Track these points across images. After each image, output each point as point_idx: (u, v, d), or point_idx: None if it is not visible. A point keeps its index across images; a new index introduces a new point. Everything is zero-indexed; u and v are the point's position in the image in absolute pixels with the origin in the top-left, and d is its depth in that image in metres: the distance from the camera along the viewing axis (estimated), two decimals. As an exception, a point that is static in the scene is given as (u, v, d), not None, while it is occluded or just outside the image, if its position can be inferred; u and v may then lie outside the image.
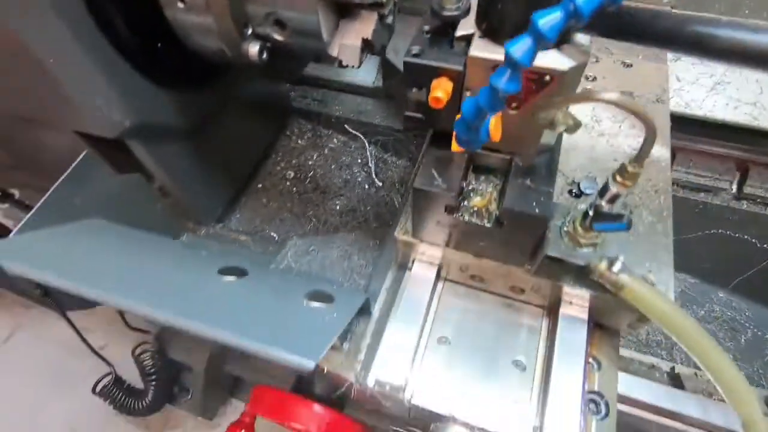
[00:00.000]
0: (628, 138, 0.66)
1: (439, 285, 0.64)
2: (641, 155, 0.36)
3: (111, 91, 0.61)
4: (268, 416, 0.73)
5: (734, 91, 0.82)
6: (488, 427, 0.54)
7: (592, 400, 0.56)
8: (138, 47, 0.61)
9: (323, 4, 0.54)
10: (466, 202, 0.52)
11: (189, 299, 0.45)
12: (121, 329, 2.04)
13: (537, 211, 0.46)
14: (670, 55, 0.79)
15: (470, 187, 0.52)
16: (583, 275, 0.53)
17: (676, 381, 0.75)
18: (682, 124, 0.75)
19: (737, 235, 1.01)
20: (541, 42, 0.29)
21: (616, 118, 0.69)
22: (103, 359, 1.47)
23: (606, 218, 0.43)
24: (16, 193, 1.00)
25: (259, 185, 1.12)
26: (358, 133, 1.16)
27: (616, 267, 0.49)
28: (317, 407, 0.71)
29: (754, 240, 1.01)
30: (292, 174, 1.15)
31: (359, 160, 1.18)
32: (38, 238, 0.53)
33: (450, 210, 0.50)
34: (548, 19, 0.28)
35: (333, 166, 1.17)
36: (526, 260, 0.55)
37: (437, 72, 0.43)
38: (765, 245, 1.00)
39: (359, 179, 1.16)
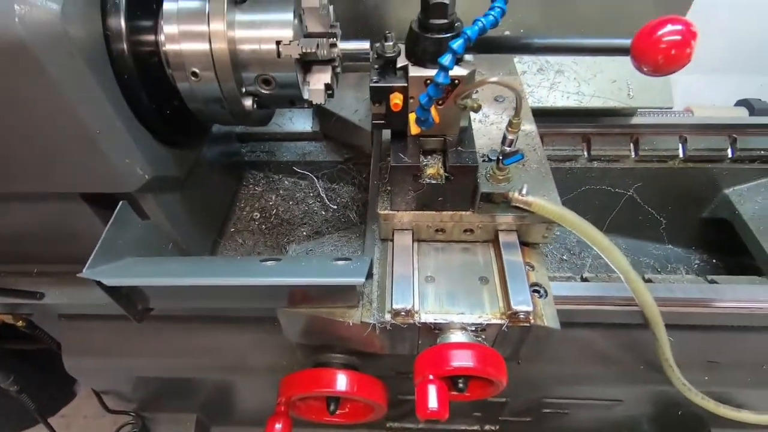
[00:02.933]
0: (508, 123, 0.98)
1: (415, 245, 0.88)
2: (516, 110, 0.65)
3: (137, 152, 0.78)
4: (302, 392, 0.88)
5: (564, 87, 1.22)
6: (475, 321, 0.77)
7: (535, 290, 0.83)
8: (153, 116, 0.80)
9: (297, 65, 0.78)
10: (423, 173, 0.77)
11: (254, 273, 0.63)
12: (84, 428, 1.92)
13: (470, 163, 0.73)
14: (519, 70, 1.16)
15: (424, 164, 0.79)
16: (506, 205, 0.81)
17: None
18: (540, 115, 1.10)
19: (598, 187, 1.41)
20: (455, 55, 0.56)
21: (497, 113, 1.01)
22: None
23: (509, 155, 0.72)
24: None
25: (232, 229, 1.28)
26: (305, 172, 1.39)
27: (524, 191, 0.77)
28: (343, 373, 0.88)
29: (609, 188, 1.41)
30: (258, 215, 1.33)
31: (311, 194, 1.40)
32: (110, 267, 0.67)
33: (415, 178, 0.75)
34: (458, 43, 0.56)
35: (291, 203, 1.37)
36: (470, 206, 0.82)
37: (392, 90, 0.70)
38: (617, 189, 1.41)
39: (315, 208, 1.37)
